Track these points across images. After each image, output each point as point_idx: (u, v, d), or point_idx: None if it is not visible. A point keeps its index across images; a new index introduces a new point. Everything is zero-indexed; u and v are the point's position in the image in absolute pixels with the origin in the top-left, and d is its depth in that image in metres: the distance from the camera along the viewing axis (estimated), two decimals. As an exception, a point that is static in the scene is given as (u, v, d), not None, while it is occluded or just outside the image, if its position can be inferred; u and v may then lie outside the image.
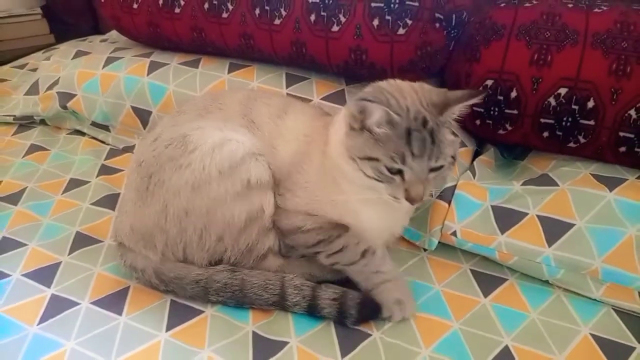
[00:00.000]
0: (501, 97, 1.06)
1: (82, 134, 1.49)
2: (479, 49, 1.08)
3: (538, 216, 0.93)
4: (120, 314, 0.87)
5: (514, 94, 1.04)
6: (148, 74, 1.36)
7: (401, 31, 1.08)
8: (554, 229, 0.91)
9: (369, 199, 0.85)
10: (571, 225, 0.91)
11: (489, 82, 1.07)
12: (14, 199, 1.20)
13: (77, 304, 0.89)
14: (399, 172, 0.79)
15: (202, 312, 0.88)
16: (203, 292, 0.87)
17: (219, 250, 0.89)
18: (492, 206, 0.97)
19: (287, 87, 1.24)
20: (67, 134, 1.51)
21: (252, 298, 0.87)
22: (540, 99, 1.02)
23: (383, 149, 0.78)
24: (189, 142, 0.89)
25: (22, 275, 0.96)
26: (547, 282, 0.93)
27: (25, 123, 1.55)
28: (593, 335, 0.83)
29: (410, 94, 0.81)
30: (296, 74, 1.28)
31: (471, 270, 0.97)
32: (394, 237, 0.98)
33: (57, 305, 0.89)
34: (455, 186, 1.01)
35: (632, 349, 0.80)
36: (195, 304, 0.89)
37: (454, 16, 1.11)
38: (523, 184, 1.01)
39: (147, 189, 0.90)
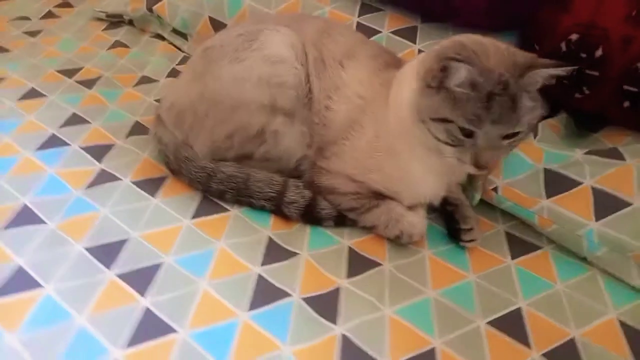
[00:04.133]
0: (584, 55, 0.95)
1: (163, 38, 1.56)
2: (571, -3, 0.97)
3: (593, 188, 0.85)
4: (154, 195, 0.93)
5: (599, 52, 0.93)
6: (228, -15, 1.37)
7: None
8: (606, 204, 0.83)
9: (427, 163, 0.84)
10: (627, 204, 0.82)
11: (574, 37, 0.96)
12: (89, 83, 1.28)
13: (120, 179, 0.96)
14: (471, 135, 0.75)
15: (227, 210, 0.91)
16: (206, 178, 0.92)
17: (223, 147, 0.93)
18: (545, 169, 0.90)
19: (359, 15, 1.21)
20: (150, 37, 1.57)
21: (252, 190, 0.90)
22: (628, 61, 0.91)
23: (460, 110, 0.74)
24: (257, 40, 0.92)
25: (79, 147, 1.04)
26: (584, 259, 0.86)
27: (115, 21, 1.64)
28: (621, 322, 0.76)
29: (494, 54, 0.76)
30: (371, 4, 1.23)
31: (506, 232, 0.92)
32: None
33: (103, 178, 0.96)
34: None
35: (661, 344, 0.73)
36: (222, 203, 0.93)
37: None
38: (586, 153, 0.92)
39: (202, 71, 0.94)
